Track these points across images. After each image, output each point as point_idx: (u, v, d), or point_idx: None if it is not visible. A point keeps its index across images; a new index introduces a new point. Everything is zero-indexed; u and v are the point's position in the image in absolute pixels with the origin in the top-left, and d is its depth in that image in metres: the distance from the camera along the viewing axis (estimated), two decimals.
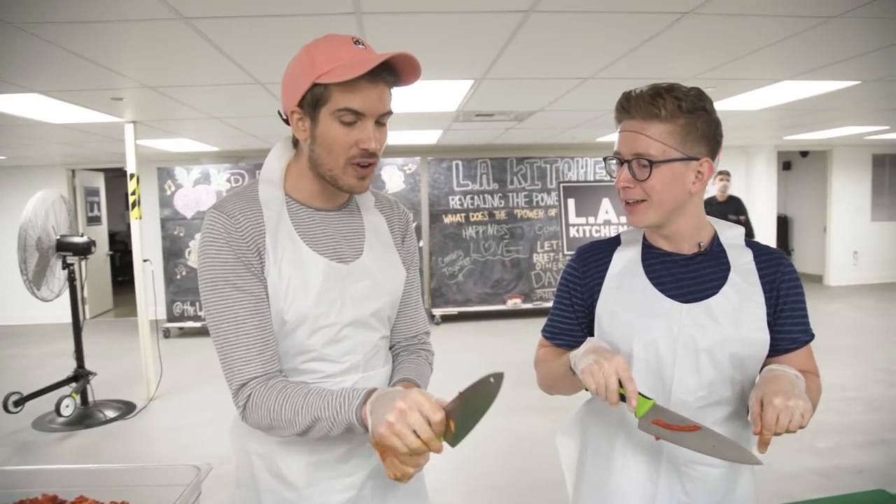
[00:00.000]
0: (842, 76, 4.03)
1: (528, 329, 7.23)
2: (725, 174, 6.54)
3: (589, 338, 1.26)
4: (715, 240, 1.33)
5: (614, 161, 1.28)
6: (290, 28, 2.72)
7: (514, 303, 8.29)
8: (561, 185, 8.17)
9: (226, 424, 4.68)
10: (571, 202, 8.16)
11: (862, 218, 10.15)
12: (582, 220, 7.98)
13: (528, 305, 8.26)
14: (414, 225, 1.44)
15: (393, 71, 1.15)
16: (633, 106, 1.22)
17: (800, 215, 11.11)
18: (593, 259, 1.39)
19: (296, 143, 1.26)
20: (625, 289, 1.32)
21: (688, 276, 1.30)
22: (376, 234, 1.33)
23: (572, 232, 7.88)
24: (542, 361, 1.44)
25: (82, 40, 2.79)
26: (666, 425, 1.14)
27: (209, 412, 4.88)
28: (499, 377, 0.96)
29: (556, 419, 4.46)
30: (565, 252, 7.57)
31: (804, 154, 10.75)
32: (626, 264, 1.35)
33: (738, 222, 6.25)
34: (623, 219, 8.00)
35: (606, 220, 8.12)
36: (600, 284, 1.35)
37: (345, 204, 1.31)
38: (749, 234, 5.32)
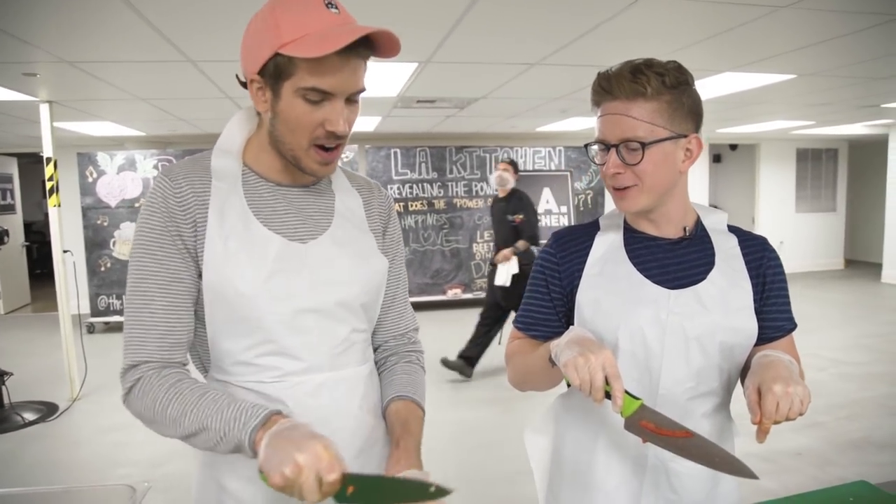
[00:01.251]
0: (781, 69, 4.13)
1: (468, 319, 7.20)
2: (508, 163, 5.42)
3: (572, 326, 1.17)
4: (699, 224, 1.27)
5: (597, 147, 1.19)
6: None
7: (454, 293, 8.25)
8: None
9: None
10: None
11: (787, 209, 10.61)
12: None
13: (469, 295, 8.24)
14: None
15: (368, 43, 1.00)
16: (615, 86, 1.13)
17: (729, 206, 11.51)
18: (572, 244, 1.30)
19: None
20: (608, 275, 1.24)
21: (674, 261, 1.23)
22: (349, 216, 1.18)
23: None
24: (516, 354, 1.34)
25: None
26: (655, 429, 1.04)
27: None
28: (442, 492, 0.87)
29: (503, 409, 4.44)
30: None
31: (733, 147, 11.13)
32: (608, 249, 1.27)
33: (513, 223, 6.01)
34: (564, 208, 8.08)
35: (547, 209, 8.14)
36: (581, 270, 1.26)
37: (314, 182, 1.16)
38: (531, 240, 5.31)
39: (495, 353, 5.04)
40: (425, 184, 8.19)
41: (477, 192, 8.33)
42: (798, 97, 5.51)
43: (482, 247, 8.32)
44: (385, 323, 1.26)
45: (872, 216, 10.92)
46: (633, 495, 1.24)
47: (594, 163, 1.21)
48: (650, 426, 1.05)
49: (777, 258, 1.27)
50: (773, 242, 8.43)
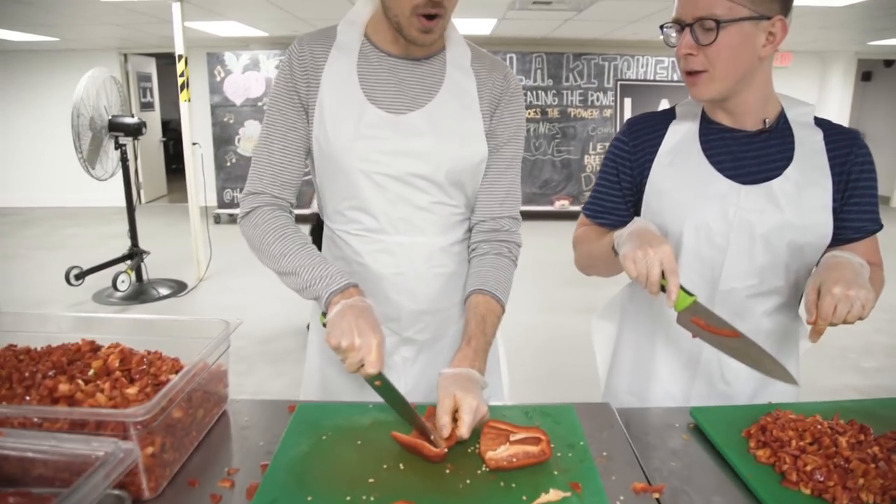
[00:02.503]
0: None
1: (573, 231, 7.15)
2: None
3: (636, 218, 1.17)
4: (782, 116, 1.21)
5: (673, 28, 1.14)
6: None
7: (561, 204, 8.16)
8: (619, 83, 7.79)
9: (270, 306, 4.83)
10: (628, 102, 7.79)
11: None
12: None
13: (576, 208, 8.10)
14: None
15: None
16: None
17: (875, 132, 10.40)
18: (645, 132, 1.28)
19: None
20: (678, 166, 1.22)
21: (749, 154, 1.19)
22: (457, 93, 1.22)
23: None
24: (582, 240, 1.37)
25: None
26: (705, 325, 1.06)
27: (255, 294, 5.04)
28: (439, 444, 0.98)
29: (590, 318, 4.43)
30: None
31: (888, 64, 9.94)
32: (681, 139, 1.23)
33: None
34: None
35: None
36: (651, 160, 1.25)
37: (431, 55, 1.23)
38: None
39: None
40: (539, 91, 7.98)
41: (592, 101, 8.03)
42: None
43: (594, 159, 8.10)
44: (481, 204, 1.28)
45: None
46: (686, 384, 1.27)
47: (668, 44, 1.16)
48: (700, 322, 1.06)
49: (867, 154, 1.20)
50: None
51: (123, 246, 5.12)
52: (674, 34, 1.15)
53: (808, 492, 0.91)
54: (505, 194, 1.28)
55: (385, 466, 0.94)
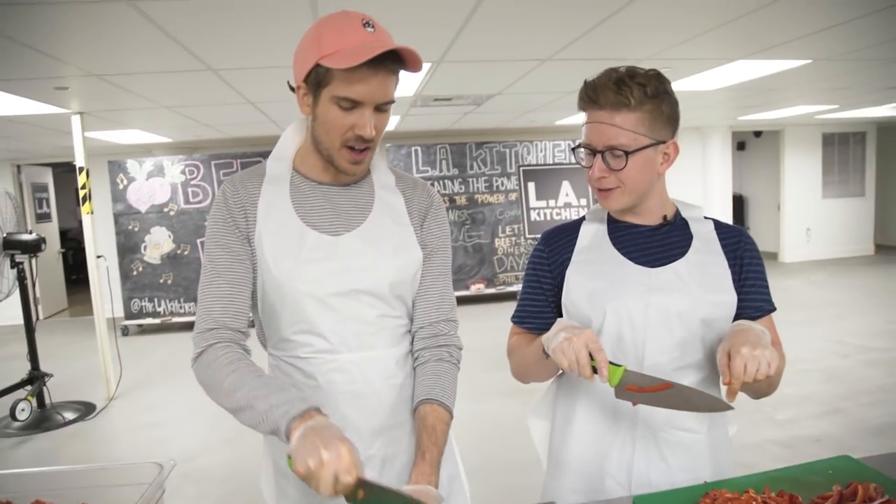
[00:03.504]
0: (794, 55, 4.11)
1: (492, 314, 7.26)
2: None
3: (559, 319, 1.27)
4: (677, 214, 1.37)
5: (583, 151, 1.29)
6: (243, 9, 2.64)
7: (477, 288, 8.31)
8: (521, 168, 8.20)
9: (189, 421, 4.57)
10: (532, 186, 8.19)
11: (813, 195, 10.45)
12: (542, 203, 8.03)
13: (492, 290, 8.29)
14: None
15: (398, 58, 1.13)
16: (601, 96, 1.22)
17: (754, 194, 11.38)
18: (559, 238, 1.41)
19: None
20: (593, 260, 1.34)
21: (654, 244, 1.33)
22: (388, 212, 1.30)
23: (533, 215, 7.92)
24: (515, 349, 1.44)
25: (22, 25, 2.66)
26: (639, 389, 1.14)
27: (171, 409, 4.78)
28: None
29: (524, 401, 4.47)
30: (527, 236, 7.61)
31: (758, 134, 10.99)
32: (592, 237, 1.37)
33: None
34: (583, 200, 8.10)
35: (567, 202, 8.18)
36: (568, 259, 1.37)
37: (358, 180, 1.31)
38: None
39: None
40: (446, 180, 8.26)
41: (498, 187, 8.37)
42: (817, 82, 5.45)
43: (504, 241, 8.36)
44: (418, 310, 1.33)
45: None
46: (626, 465, 1.31)
47: (580, 164, 1.31)
48: (635, 388, 1.14)
49: (753, 244, 1.36)
50: (800, 229, 8.17)
51: (22, 369, 4.77)
52: (583, 155, 1.29)
53: None
54: (439, 299, 1.34)
55: None
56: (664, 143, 1.25)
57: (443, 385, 1.27)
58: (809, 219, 10.40)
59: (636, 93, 1.20)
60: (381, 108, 1.17)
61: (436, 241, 1.35)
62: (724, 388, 1.35)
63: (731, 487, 1.16)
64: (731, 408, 1.14)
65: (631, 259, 1.32)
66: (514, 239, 8.41)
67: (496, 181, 8.37)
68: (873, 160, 10.76)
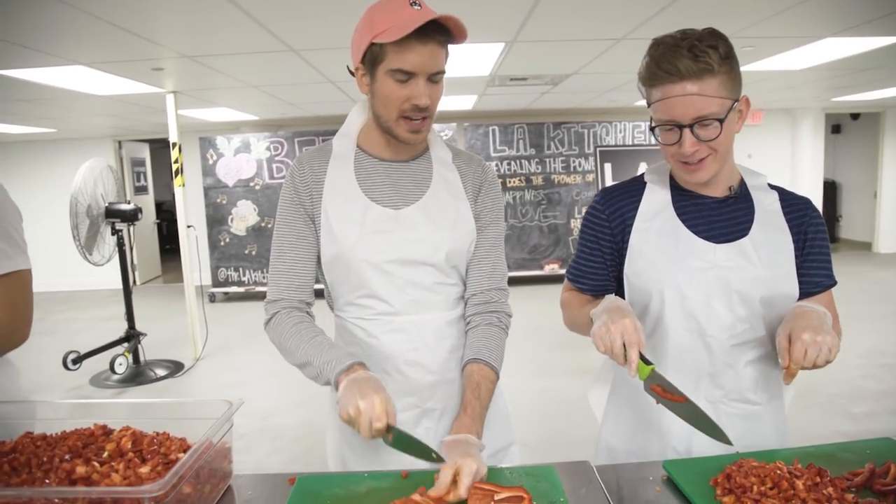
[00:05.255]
0: (888, 31, 3.88)
1: (560, 293, 7.20)
2: None
3: (607, 296, 1.28)
4: (742, 184, 1.35)
5: (666, 128, 1.21)
6: None
7: (551, 268, 8.31)
8: (598, 149, 8.10)
9: (267, 383, 4.86)
10: (608, 167, 8.09)
11: None
12: None
13: (565, 271, 8.23)
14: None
15: (445, 30, 1.22)
16: (680, 67, 1.14)
17: (849, 180, 10.74)
18: (620, 200, 1.40)
19: None
20: (656, 230, 1.34)
21: (719, 218, 1.32)
22: (445, 186, 1.39)
23: None
24: (567, 305, 1.49)
25: (121, 11, 2.89)
26: (662, 392, 1.17)
27: (251, 371, 5.08)
28: (440, 459, 1.12)
29: (585, 380, 4.47)
30: None
31: (855, 116, 10.34)
32: (656, 205, 1.36)
33: None
34: None
35: None
36: (630, 225, 1.36)
37: (417, 157, 1.40)
38: None
39: None
40: (523, 160, 8.26)
41: (575, 167, 8.30)
42: None
43: (580, 222, 8.28)
44: (471, 279, 1.42)
45: None
46: (687, 433, 1.33)
47: (659, 142, 1.25)
48: (658, 389, 1.18)
49: (819, 217, 1.33)
50: None
51: (120, 328, 5.19)
52: (661, 133, 1.23)
53: None
54: (492, 269, 1.42)
55: None
56: (738, 100, 1.22)
57: (490, 347, 1.36)
58: None
59: (713, 56, 1.14)
60: (433, 78, 1.25)
61: (489, 214, 1.42)
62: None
63: (761, 458, 1.19)
64: (730, 443, 1.13)
65: (695, 232, 1.31)
66: None
67: (573, 161, 8.30)
68: None
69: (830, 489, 1.07)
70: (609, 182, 7.91)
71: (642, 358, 1.15)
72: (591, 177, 8.31)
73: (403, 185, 1.37)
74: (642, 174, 1.42)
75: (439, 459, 1.12)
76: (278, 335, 1.33)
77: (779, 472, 1.12)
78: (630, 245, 1.35)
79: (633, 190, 1.40)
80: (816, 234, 1.32)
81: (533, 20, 3.38)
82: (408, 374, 1.37)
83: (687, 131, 1.18)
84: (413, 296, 1.35)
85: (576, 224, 8.30)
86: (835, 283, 1.35)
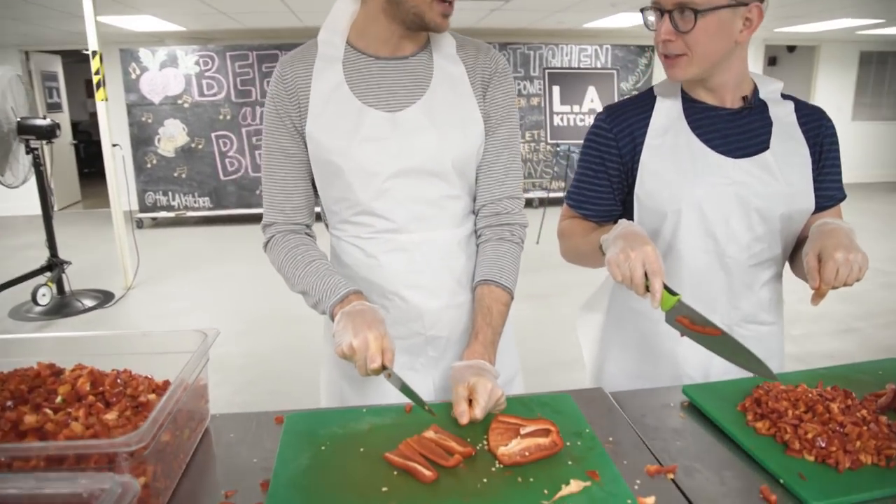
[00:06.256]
0: None
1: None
2: None
3: (621, 220, 1.17)
4: (756, 93, 1.25)
5: (652, 12, 1.16)
6: None
7: None
8: (546, 70, 7.91)
9: (206, 312, 4.63)
10: (556, 90, 7.91)
11: (843, 117, 10.07)
12: (566, 108, 7.75)
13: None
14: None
15: None
16: None
17: None
18: (627, 116, 1.28)
19: None
20: (669, 145, 1.23)
21: (735, 130, 1.23)
22: (448, 82, 1.20)
23: (556, 120, 7.67)
24: (567, 235, 1.36)
25: None
26: (690, 324, 1.07)
27: (188, 300, 4.84)
28: (431, 412, 1.02)
29: (543, 305, 4.51)
30: (548, 141, 7.40)
31: (791, 49, 10.50)
32: (667, 119, 1.25)
33: None
34: None
35: (591, 108, 7.90)
36: (640, 143, 1.25)
37: (416, 51, 1.21)
38: None
39: (531, 254, 5.06)
40: None
41: (520, 90, 8.10)
42: None
43: (524, 147, 8.18)
44: (481, 187, 1.26)
45: None
46: (703, 367, 1.28)
47: (647, 27, 1.19)
48: (685, 321, 1.07)
49: (833, 128, 1.27)
50: None
51: (40, 257, 4.79)
52: (652, 18, 1.17)
53: (811, 458, 0.94)
54: (503, 174, 1.26)
55: (395, 473, 0.89)
56: (745, 5, 1.11)
57: (501, 266, 1.22)
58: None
59: None
60: None
61: (500, 111, 1.25)
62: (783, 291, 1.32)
63: (783, 381, 1.13)
64: (774, 378, 1.04)
65: (711, 147, 1.22)
66: (533, 145, 8.24)
67: (519, 84, 8.09)
68: None
69: (864, 412, 1.03)
70: (557, 106, 7.76)
71: (666, 287, 1.05)
72: (536, 100, 8.16)
73: (402, 84, 1.19)
74: (652, 87, 1.31)
75: (431, 413, 1.01)
76: (276, 261, 1.23)
77: (810, 395, 1.07)
78: (641, 164, 1.25)
79: (641, 105, 1.29)
80: (832, 145, 1.26)
81: None
82: (409, 300, 1.22)
83: (666, 17, 1.13)
84: (416, 211, 1.20)
85: (520, 148, 8.16)
86: (845, 197, 1.30)
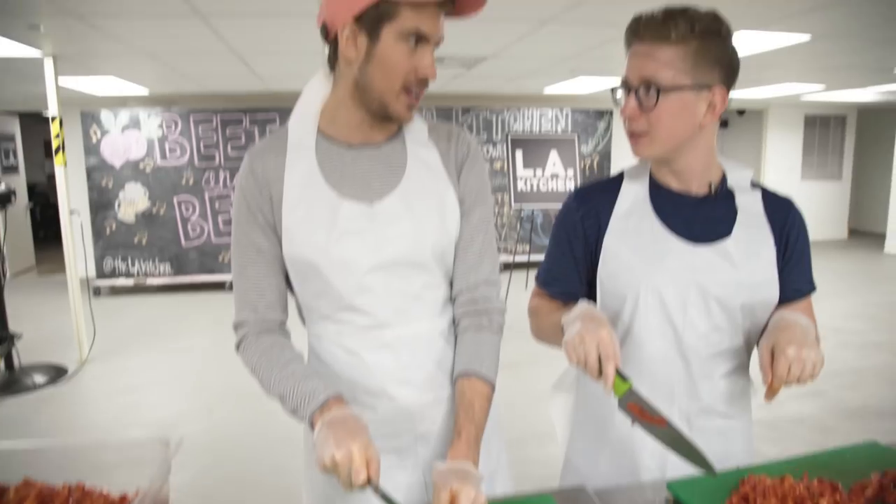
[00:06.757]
0: (796, 28, 4.04)
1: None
2: None
3: (581, 301, 1.16)
4: (724, 181, 1.25)
5: (621, 89, 1.17)
6: None
7: None
8: (509, 136, 8.08)
9: (166, 387, 4.42)
10: (519, 154, 8.07)
11: (793, 177, 10.51)
12: (529, 172, 7.90)
13: None
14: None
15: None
16: (644, 27, 1.12)
17: None
18: (595, 198, 1.28)
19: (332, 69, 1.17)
20: (632, 229, 1.23)
21: (699, 217, 1.22)
22: (423, 168, 1.18)
23: (520, 185, 7.80)
24: (535, 314, 1.35)
25: None
26: (640, 412, 1.05)
27: (147, 374, 4.64)
28: None
29: (512, 374, 4.43)
30: (512, 204, 7.49)
31: (741, 112, 10.99)
32: (633, 203, 1.25)
33: None
34: (570, 171, 8.01)
35: (554, 172, 8.07)
36: (605, 225, 1.25)
37: (388, 138, 1.19)
38: None
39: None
40: None
41: (483, 154, 8.23)
42: (811, 60, 5.41)
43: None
44: (456, 274, 1.23)
45: (878, 185, 10.82)
46: (660, 455, 1.24)
47: (616, 104, 1.20)
48: (636, 409, 1.06)
49: (802, 219, 1.27)
50: None
51: None
52: (620, 95, 1.18)
53: None
54: (478, 259, 1.23)
55: None
56: (708, 88, 1.12)
57: (481, 356, 1.17)
58: None
59: (681, 26, 1.08)
60: (434, 49, 1.10)
61: (473, 194, 1.22)
62: (754, 384, 1.30)
63: (768, 473, 1.10)
64: (713, 471, 1.03)
65: (673, 232, 1.21)
66: (497, 208, 8.32)
67: (482, 148, 8.22)
68: (852, 144, 10.85)
69: None
70: (520, 170, 7.90)
71: (619, 373, 1.05)
72: (499, 164, 8.29)
73: (377, 172, 1.16)
74: (622, 171, 1.31)
75: None
76: (249, 363, 1.15)
77: (798, 492, 1.04)
78: (604, 246, 1.24)
79: (609, 187, 1.29)
80: (799, 235, 1.25)
81: None
82: (396, 397, 1.17)
83: (632, 94, 1.14)
84: (397, 304, 1.15)
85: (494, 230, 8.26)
86: (814, 289, 1.28)
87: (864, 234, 11.29)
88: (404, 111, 1.11)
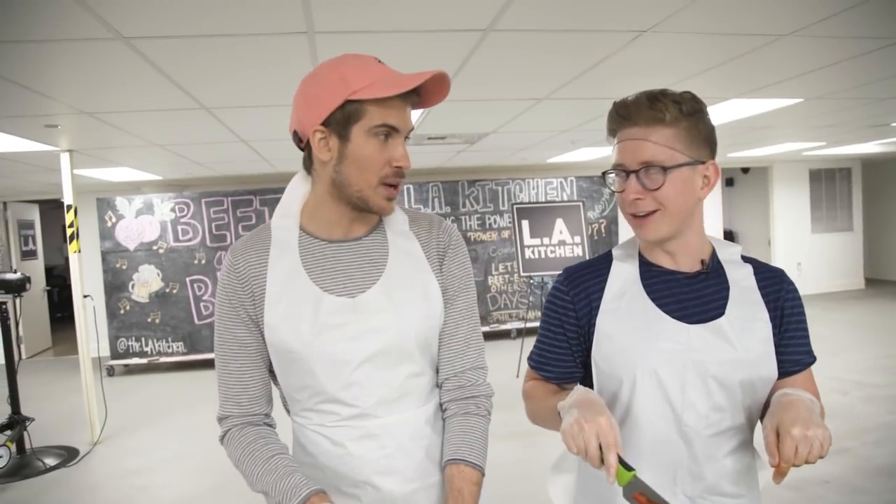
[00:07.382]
0: (788, 93, 4.13)
1: (487, 352, 7.12)
2: None
3: (577, 387, 1.16)
4: (714, 257, 1.27)
5: (614, 174, 1.21)
6: (238, 49, 2.60)
7: None
8: (514, 206, 8.20)
9: (178, 466, 4.39)
10: (525, 223, 8.17)
11: (803, 231, 10.50)
12: (536, 240, 7.97)
13: (486, 328, 8.17)
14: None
15: (417, 90, 1.13)
16: (634, 112, 1.15)
17: (744, 230, 11.42)
18: (585, 279, 1.29)
19: (309, 172, 1.22)
20: (625, 310, 1.23)
21: (691, 295, 1.22)
22: (405, 260, 1.22)
23: (527, 253, 7.86)
24: (530, 397, 1.35)
25: (11, 62, 2.61)
26: (647, 501, 1.04)
27: (157, 454, 4.61)
28: None
29: (522, 444, 4.36)
30: (521, 273, 7.53)
31: (745, 170, 11.09)
32: (624, 283, 1.26)
33: None
34: (577, 238, 8.08)
35: (561, 240, 8.14)
36: (597, 307, 1.25)
37: (369, 231, 1.23)
38: None
39: (511, 388, 4.98)
40: None
41: (490, 224, 8.35)
42: (807, 119, 5.50)
43: (497, 279, 8.31)
44: (443, 361, 1.25)
45: (892, 233, 10.78)
46: None
47: (611, 190, 1.22)
48: (642, 499, 1.04)
49: (795, 290, 1.26)
50: (791, 264, 8.03)
51: (1, 412, 4.60)
52: (613, 177, 1.21)
53: None
54: (464, 346, 1.25)
55: None
56: (703, 163, 1.17)
57: (469, 442, 1.19)
58: (800, 254, 10.43)
59: (671, 109, 1.13)
60: (406, 139, 1.16)
61: (457, 282, 1.26)
62: (761, 457, 1.27)
63: None
64: None
65: (666, 311, 1.21)
66: (507, 276, 8.36)
67: (489, 219, 8.35)
68: (860, 195, 10.86)
69: None
70: (527, 239, 7.97)
71: (622, 462, 1.02)
72: (506, 233, 8.38)
73: (358, 266, 1.19)
74: (610, 250, 1.33)
75: None
76: (233, 456, 1.18)
77: None
78: (597, 328, 1.24)
79: (598, 268, 1.30)
80: (794, 307, 1.24)
81: (460, 78, 3.34)
82: (381, 487, 1.17)
83: (633, 177, 1.16)
84: (382, 396, 1.17)
85: (493, 281, 8.32)
86: (814, 361, 1.26)
87: (881, 282, 11.15)
88: (384, 203, 1.15)
